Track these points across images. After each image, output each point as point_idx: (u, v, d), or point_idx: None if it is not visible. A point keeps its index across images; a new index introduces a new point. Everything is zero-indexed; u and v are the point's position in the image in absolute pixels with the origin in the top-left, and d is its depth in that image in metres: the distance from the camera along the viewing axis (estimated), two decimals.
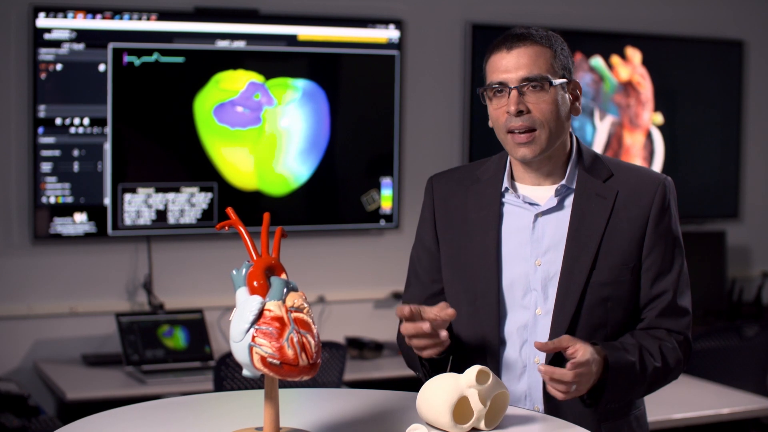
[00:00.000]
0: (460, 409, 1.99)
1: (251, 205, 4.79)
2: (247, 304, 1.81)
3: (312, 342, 1.79)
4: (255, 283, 1.84)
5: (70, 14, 4.44)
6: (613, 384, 2.16)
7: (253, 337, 1.78)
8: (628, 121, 5.61)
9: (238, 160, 4.77)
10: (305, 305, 1.84)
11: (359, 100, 5.03)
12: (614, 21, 5.57)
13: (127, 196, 4.58)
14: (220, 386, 3.87)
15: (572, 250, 2.25)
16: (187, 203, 4.68)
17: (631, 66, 5.58)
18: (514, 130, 2.22)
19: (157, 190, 4.63)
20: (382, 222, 5.06)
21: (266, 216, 1.95)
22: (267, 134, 4.80)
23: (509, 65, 2.23)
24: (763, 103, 5.98)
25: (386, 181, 5.06)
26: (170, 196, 4.65)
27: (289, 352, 1.76)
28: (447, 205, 2.36)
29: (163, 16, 4.61)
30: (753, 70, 5.92)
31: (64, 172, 4.48)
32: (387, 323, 4.95)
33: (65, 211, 4.49)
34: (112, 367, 4.39)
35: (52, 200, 4.47)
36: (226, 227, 1.94)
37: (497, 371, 2.26)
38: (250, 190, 4.81)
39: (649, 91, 5.63)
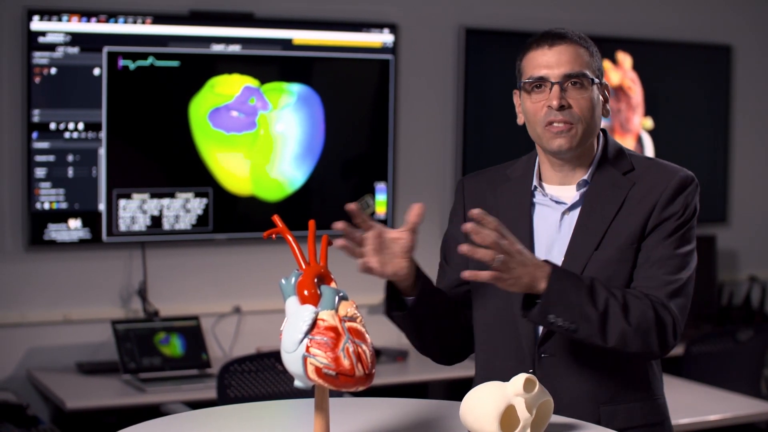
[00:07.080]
0: (506, 418, 1.96)
1: (246, 211, 4.75)
2: (299, 314, 1.78)
3: (367, 352, 1.76)
4: (306, 292, 1.81)
5: (65, 17, 4.38)
6: (555, 284, 2.10)
7: (308, 347, 1.75)
8: (619, 126, 5.61)
9: (234, 166, 4.72)
10: (358, 314, 1.81)
11: (354, 104, 5.00)
12: (605, 26, 5.57)
13: (122, 202, 4.52)
14: (224, 394, 3.82)
15: (579, 235, 2.27)
16: (182, 209, 4.62)
17: (621, 71, 5.58)
18: (553, 123, 2.25)
19: (152, 196, 4.57)
20: None
21: (311, 223, 1.93)
22: (262, 139, 4.76)
23: (551, 61, 2.28)
24: (750, 108, 6.00)
25: (380, 186, 5.02)
26: (165, 201, 4.59)
27: (345, 363, 1.73)
28: (478, 204, 2.35)
29: (158, 19, 4.55)
30: (740, 74, 5.95)
31: (58, 178, 4.41)
32: (383, 329, 4.87)
33: (59, 217, 4.42)
34: (107, 375, 4.31)
35: (46, 206, 4.40)
36: (273, 235, 1.90)
37: (533, 366, 2.25)
38: (246, 195, 4.76)
39: (639, 96, 5.64)
